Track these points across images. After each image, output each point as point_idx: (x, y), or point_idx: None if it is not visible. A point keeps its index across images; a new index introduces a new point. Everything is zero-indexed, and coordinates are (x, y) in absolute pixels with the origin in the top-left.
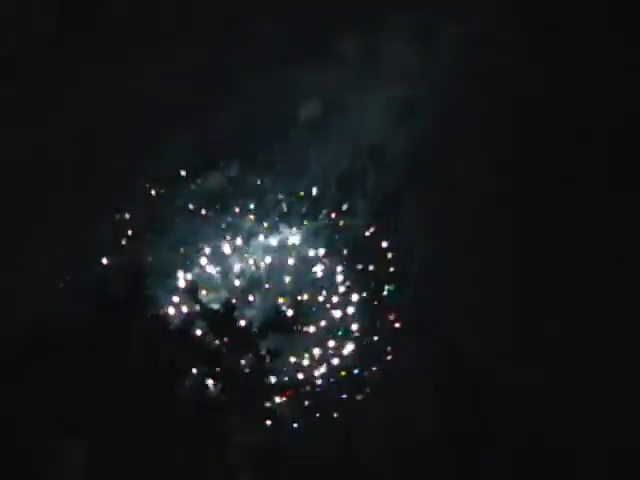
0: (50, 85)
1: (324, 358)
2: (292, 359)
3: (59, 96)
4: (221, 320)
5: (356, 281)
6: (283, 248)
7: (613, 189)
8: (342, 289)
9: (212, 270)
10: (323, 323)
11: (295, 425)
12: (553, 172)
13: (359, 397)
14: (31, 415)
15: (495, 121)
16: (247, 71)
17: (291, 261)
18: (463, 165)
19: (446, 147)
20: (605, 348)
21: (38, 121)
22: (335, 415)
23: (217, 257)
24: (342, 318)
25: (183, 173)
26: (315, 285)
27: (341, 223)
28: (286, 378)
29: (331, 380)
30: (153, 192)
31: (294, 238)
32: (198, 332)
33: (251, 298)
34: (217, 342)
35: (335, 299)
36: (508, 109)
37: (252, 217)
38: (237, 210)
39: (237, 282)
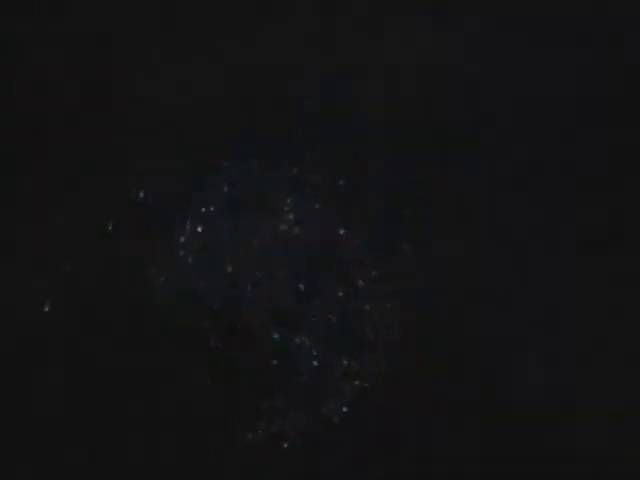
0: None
1: (328, 356)
2: (294, 358)
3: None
4: (223, 317)
5: (362, 277)
6: (286, 243)
7: (615, 193)
8: (346, 286)
9: (213, 267)
10: (325, 320)
11: (296, 425)
12: (555, 173)
13: (362, 396)
14: (31, 415)
15: (495, 122)
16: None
17: (295, 256)
18: (463, 165)
19: (446, 147)
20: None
21: (37, 120)
22: (337, 413)
23: (219, 253)
24: (345, 315)
25: (183, 171)
26: (320, 281)
27: (347, 218)
28: (288, 377)
29: (334, 378)
30: (153, 192)
31: (297, 233)
32: (198, 331)
33: (254, 295)
34: (218, 341)
35: (338, 296)
36: (509, 110)
37: (255, 213)
38: (240, 206)
39: (240, 279)
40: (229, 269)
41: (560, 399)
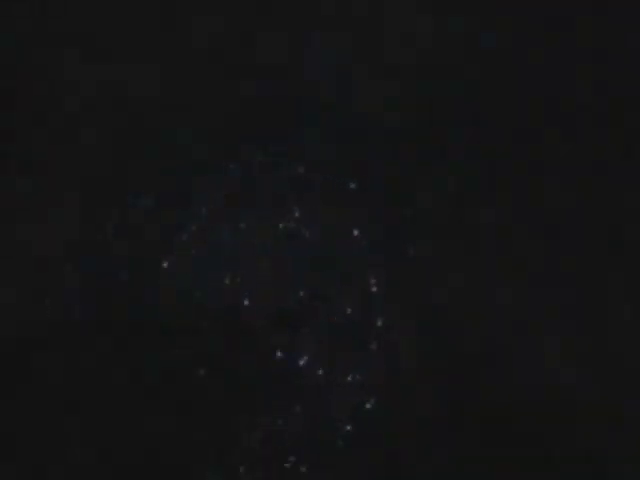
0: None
1: (329, 356)
2: (297, 357)
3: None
4: (223, 317)
5: (363, 275)
6: (286, 244)
7: (615, 193)
8: (348, 284)
9: (213, 267)
10: (327, 319)
11: (297, 425)
12: (555, 173)
13: (363, 397)
14: (31, 415)
15: (495, 122)
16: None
17: (296, 254)
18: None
19: (446, 146)
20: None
21: (37, 120)
22: (337, 415)
23: (219, 254)
24: (347, 314)
25: (183, 171)
26: (321, 279)
27: (347, 218)
28: (289, 377)
29: (335, 379)
30: (153, 192)
31: (298, 231)
32: (199, 331)
33: (254, 293)
34: (218, 341)
35: (340, 294)
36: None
37: (255, 213)
38: (241, 206)
39: (240, 277)
40: (229, 269)
41: (560, 399)
